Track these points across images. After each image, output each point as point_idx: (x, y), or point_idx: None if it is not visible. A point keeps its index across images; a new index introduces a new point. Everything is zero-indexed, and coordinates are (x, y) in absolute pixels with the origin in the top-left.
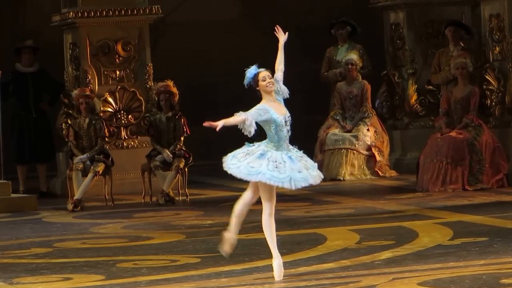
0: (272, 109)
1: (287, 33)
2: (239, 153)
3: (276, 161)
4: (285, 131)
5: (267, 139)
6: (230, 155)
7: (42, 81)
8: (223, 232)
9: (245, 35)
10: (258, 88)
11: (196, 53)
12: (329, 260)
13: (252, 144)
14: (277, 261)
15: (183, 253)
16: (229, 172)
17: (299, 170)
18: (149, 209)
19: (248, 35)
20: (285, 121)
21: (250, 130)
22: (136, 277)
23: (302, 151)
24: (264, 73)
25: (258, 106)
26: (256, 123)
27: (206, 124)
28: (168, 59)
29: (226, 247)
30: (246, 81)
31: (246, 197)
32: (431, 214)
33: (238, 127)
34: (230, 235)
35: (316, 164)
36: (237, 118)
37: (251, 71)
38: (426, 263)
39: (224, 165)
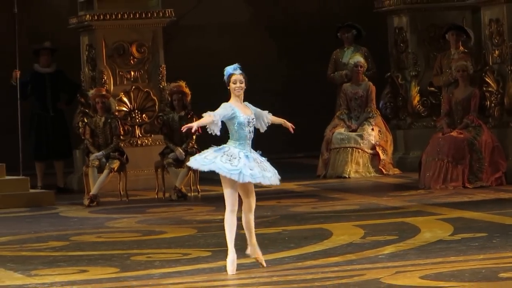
0: (237, 108)
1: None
2: (202, 152)
3: (231, 156)
4: (247, 131)
5: (229, 140)
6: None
7: (60, 81)
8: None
9: (255, 37)
10: (228, 88)
11: (207, 55)
12: (334, 254)
13: (216, 147)
14: (231, 255)
15: (195, 247)
16: (189, 165)
17: (250, 168)
18: (162, 204)
19: (258, 37)
20: (248, 122)
21: (215, 129)
22: (149, 270)
23: (266, 158)
24: (237, 76)
25: (223, 105)
26: (223, 124)
27: (184, 128)
28: (181, 60)
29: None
30: (224, 77)
31: (244, 205)
32: (433, 210)
33: (206, 127)
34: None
35: (275, 171)
36: (206, 118)
37: (228, 69)
38: (427, 258)
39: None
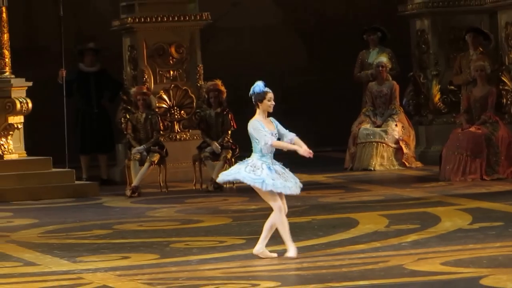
0: (264, 124)
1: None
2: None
3: (254, 166)
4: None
5: (252, 153)
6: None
7: (103, 80)
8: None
9: (286, 39)
10: (259, 104)
11: (242, 55)
12: (361, 242)
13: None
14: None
15: (230, 235)
16: (219, 180)
17: (273, 178)
18: (200, 195)
19: (289, 39)
20: (272, 136)
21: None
22: (187, 256)
23: (288, 169)
24: (271, 94)
25: (257, 125)
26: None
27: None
28: (217, 60)
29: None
30: (252, 92)
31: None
32: (453, 201)
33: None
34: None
35: (297, 180)
36: (278, 143)
37: (260, 86)
38: (448, 245)
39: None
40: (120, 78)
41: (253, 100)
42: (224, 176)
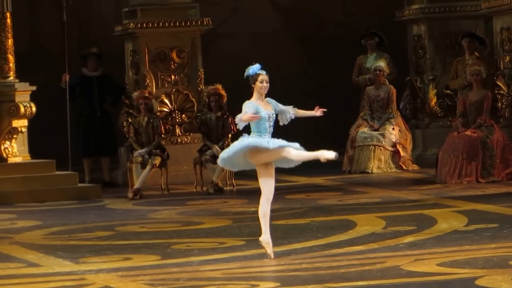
0: (259, 105)
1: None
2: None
3: (256, 136)
4: (267, 125)
5: (251, 132)
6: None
7: (106, 84)
8: (258, 239)
9: (285, 44)
10: (253, 86)
11: (242, 60)
12: (358, 243)
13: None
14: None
15: (230, 237)
16: (220, 164)
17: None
18: (200, 197)
19: (288, 44)
20: (269, 117)
21: (240, 124)
22: (188, 257)
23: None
24: (263, 76)
25: (247, 104)
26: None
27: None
28: (217, 65)
29: (268, 251)
30: (246, 74)
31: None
32: (449, 203)
33: (236, 122)
34: (264, 237)
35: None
36: (249, 116)
37: (254, 68)
38: (444, 246)
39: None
40: (122, 83)
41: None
42: (227, 151)
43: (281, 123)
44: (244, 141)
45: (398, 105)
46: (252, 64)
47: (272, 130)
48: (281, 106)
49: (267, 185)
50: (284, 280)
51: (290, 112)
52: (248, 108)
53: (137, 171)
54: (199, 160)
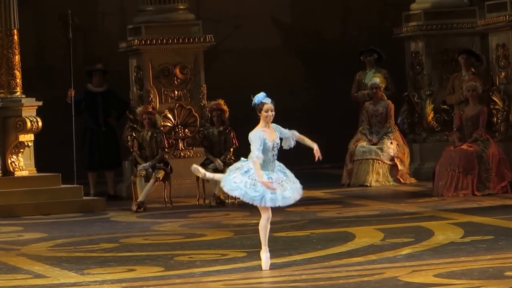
0: (265, 134)
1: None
2: (234, 167)
3: (255, 180)
4: (271, 155)
5: None
6: (229, 168)
7: (110, 99)
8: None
9: (286, 61)
10: (259, 114)
11: (243, 76)
12: (357, 255)
13: (245, 160)
14: (265, 254)
15: (232, 248)
16: (222, 186)
17: (271, 192)
18: (203, 210)
19: (288, 60)
20: (273, 147)
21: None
22: (191, 269)
23: (290, 171)
24: (269, 106)
25: (255, 136)
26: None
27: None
28: (220, 81)
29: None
30: (252, 103)
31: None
32: (445, 215)
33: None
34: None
35: (297, 186)
36: (257, 165)
37: (259, 97)
38: (440, 258)
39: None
40: (126, 98)
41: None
42: (228, 188)
43: (284, 147)
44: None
45: (396, 120)
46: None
47: (276, 158)
48: (284, 133)
49: (267, 210)
50: None
51: (293, 139)
52: (259, 141)
53: (141, 184)
54: None
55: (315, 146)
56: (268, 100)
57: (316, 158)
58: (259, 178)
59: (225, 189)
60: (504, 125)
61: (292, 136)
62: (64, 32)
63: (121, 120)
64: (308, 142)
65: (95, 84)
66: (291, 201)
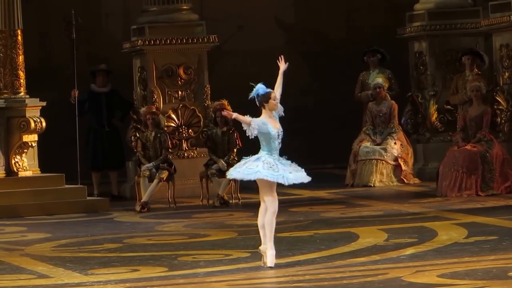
0: (269, 123)
1: (287, 63)
2: (238, 164)
3: (269, 163)
4: (277, 143)
5: (260, 150)
6: (231, 168)
7: (114, 100)
8: (259, 248)
9: (290, 61)
10: (265, 104)
11: (247, 77)
12: (361, 255)
13: (248, 157)
14: (271, 251)
15: (236, 249)
16: (231, 178)
17: (290, 171)
18: (206, 210)
19: (292, 61)
20: (278, 135)
21: (253, 132)
22: (195, 269)
23: (291, 161)
24: (274, 94)
25: (260, 119)
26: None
27: (224, 113)
28: (223, 81)
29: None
30: (255, 93)
31: (262, 209)
32: (449, 216)
33: (243, 127)
34: (264, 247)
35: (303, 169)
36: (246, 118)
37: (263, 88)
38: (444, 258)
39: (227, 174)
40: (130, 98)
41: (257, 102)
42: (242, 175)
43: (280, 114)
44: (261, 171)
45: (399, 120)
46: (255, 85)
47: (280, 146)
48: (279, 108)
49: (275, 203)
50: None
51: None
52: (261, 123)
53: (144, 184)
54: (205, 174)
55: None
56: (271, 89)
57: (284, 65)
58: (241, 118)
59: (239, 176)
60: (508, 125)
61: (279, 91)
62: (68, 33)
63: (125, 121)
64: (279, 78)
65: (99, 85)
66: (306, 180)
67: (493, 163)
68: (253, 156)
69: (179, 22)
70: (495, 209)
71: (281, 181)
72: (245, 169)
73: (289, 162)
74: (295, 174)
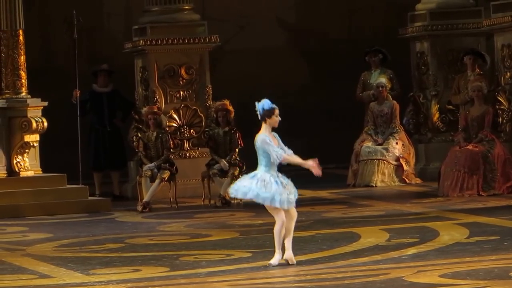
0: (272, 142)
1: (318, 168)
2: (239, 179)
3: (264, 181)
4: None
5: (258, 165)
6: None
7: (116, 100)
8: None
9: (290, 61)
10: (267, 119)
11: (248, 76)
12: (362, 255)
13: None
14: (277, 256)
15: (237, 249)
16: (233, 196)
17: (280, 193)
18: (208, 210)
19: (293, 60)
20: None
21: (280, 154)
22: (196, 269)
23: (290, 179)
24: (278, 110)
25: (267, 139)
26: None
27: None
28: (225, 81)
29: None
30: (261, 109)
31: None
32: (451, 216)
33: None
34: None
35: (296, 192)
36: (289, 157)
37: (268, 103)
38: (446, 258)
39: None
40: (132, 98)
41: (259, 116)
42: (241, 194)
43: (272, 160)
44: (253, 189)
45: (401, 120)
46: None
47: (278, 161)
48: (282, 145)
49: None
50: None
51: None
52: (269, 143)
53: (146, 184)
54: (207, 174)
55: (308, 163)
56: (275, 105)
57: (316, 171)
58: (303, 163)
59: (238, 196)
60: (510, 125)
61: (282, 154)
62: (70, 33)
63: (127, 121)
64: (298, 161)
65: (101, 85)
66: (290, 206)
67: (494, 163)
68: (251, 173)
69: (180, 22)
70: (496, 209)
71: (267, 203)
72: (242, 187)
73: (286, 180)
74: (283, 198)
